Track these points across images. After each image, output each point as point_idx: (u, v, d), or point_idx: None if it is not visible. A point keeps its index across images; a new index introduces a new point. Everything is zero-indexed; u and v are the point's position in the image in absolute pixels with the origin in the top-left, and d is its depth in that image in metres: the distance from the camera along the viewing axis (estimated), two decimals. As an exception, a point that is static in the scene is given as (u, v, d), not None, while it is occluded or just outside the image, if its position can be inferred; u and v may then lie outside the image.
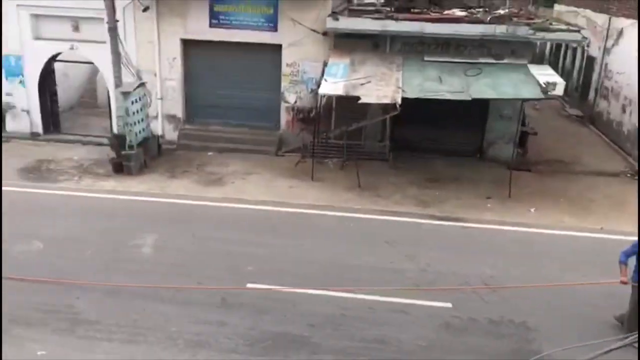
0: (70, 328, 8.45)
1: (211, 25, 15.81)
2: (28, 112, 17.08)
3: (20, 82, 16.88)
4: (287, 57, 15.90)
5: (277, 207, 12.92)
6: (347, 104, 14.40)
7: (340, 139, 15.64)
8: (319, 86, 14.25)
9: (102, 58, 15.82)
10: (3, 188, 13.36)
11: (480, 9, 16.97)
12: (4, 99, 17.09)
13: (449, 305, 9.27)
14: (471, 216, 12.80)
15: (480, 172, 15.43)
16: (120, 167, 14.49)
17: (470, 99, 13.09)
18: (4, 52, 16.64)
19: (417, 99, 13.14)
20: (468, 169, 15.54)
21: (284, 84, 16.18)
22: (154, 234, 11.33)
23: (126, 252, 10.67)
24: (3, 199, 12.51)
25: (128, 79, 15.49)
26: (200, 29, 15.87)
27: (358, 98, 13.17)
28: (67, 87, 18.82)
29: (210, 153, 16.13)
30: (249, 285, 9.62)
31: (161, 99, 16.57)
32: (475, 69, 14.34)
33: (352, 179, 14.30)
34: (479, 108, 15.30)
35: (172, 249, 10.85)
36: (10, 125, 17.22)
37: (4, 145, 16.34)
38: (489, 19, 15.17)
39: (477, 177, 15.08)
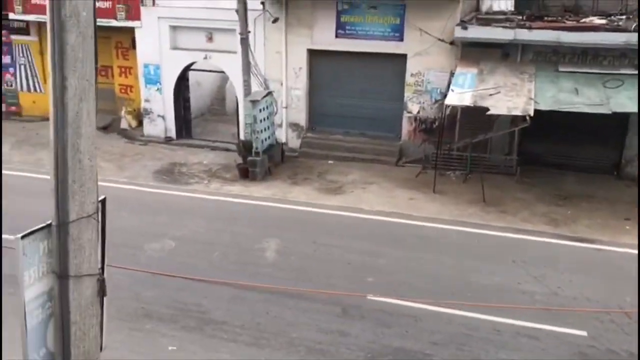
0: (199, 326, 8.81)
1: (337, 36, 16.02)
2: (163, 117, 18.21)
3: (158, 89, 18.04)
4: (411, 66, 15.72)
5: (397, 219, 12.75)
6: (473, 115, 13.98)
7: (464, 151, 15.20)
8: (444, 96, 13.94)
9: (232, 67, 16.52)
10: (140, 189, 14.38)
11: (622, 17, 15.82)
12: (143, 104, 18.35)
13: (584, 333, 8.63)
14: (607, 238, 11.91)
15: (616, 191, 14.34)
16: (246, 173, 15.01)
17: (610, 112, 12.26)
18: (144, 62, 17.89)
19: (547, 111, 12.48)
20: (603, 187, 14.49)
21: (407, 94, 15.99)
22: (277, 239, 11.57)
23: (251, 255, 10.98)
24: (140, 199, 13.40)
25: (256, 87, 16.04)
26: (326, 39, 16.13)
27: (486, 109, 12.74)
28: (199, 95, 19.83)
29: (330, 161, 16.29)
30: (370, 297, 9.53)
31: (286, 107, 17.00)
32: (616, 80, 13.39)
33: (475, 192, 13.81)
34: (618, 122, 14.28)
35: (294, 255, 11.03)
36: (147, 129, 18.45)
37: (142, 148, 17.56)
38: (633, 27, 14.11)
39: (614, 196, 14.01)
